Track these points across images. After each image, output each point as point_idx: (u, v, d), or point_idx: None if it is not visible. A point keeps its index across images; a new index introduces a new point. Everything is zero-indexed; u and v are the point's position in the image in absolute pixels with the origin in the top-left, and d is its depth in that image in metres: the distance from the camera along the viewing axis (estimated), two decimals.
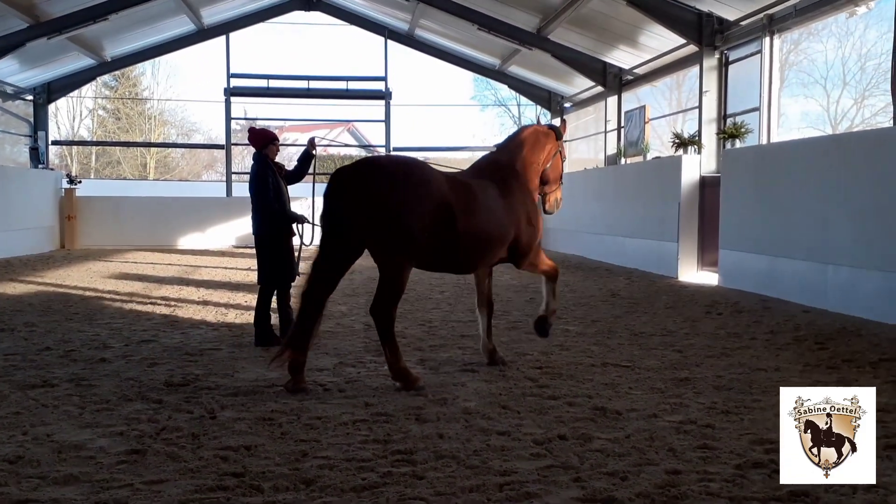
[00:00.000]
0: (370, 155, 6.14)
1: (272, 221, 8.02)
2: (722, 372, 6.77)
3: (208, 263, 17.26)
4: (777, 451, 4.24)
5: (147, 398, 5.80)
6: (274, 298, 8.16)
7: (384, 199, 5.91)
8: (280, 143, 8.55)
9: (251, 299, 11.28)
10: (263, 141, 8.19)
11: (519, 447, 4.70)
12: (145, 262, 17.36)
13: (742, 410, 5.50)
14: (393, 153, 7.95)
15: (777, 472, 4.14)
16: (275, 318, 8.24)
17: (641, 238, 16.31)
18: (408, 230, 5.93)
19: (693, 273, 14.54)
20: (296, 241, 8.22)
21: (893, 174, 9.25)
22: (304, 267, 6.92)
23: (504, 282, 13.76)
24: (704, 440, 4.82)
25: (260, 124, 34.83)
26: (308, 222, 8.09)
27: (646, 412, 5.46)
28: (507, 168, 6.97)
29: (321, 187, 6.58)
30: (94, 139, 38.59)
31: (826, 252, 10.36)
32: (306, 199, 9.21)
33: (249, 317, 9.76)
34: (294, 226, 8.18)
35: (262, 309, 8.06)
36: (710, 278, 13.93)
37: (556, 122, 7.89)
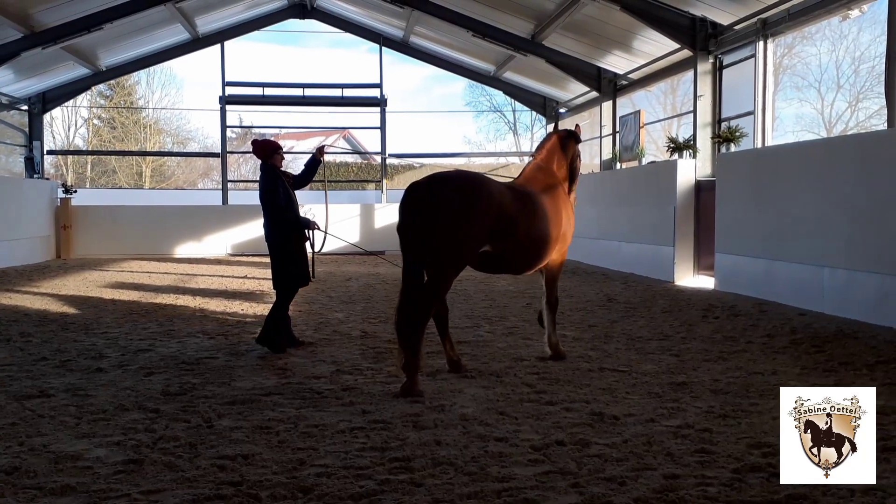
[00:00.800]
0: (440, 171, 6.79)
1: (285, 228, 8.14)
2: (719, 376, 6.77)
3: (204, 272, 17.24)
4: (775, 454, 4.25)
5: (144, 408, 5.79)
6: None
7: (452, 208, 6.32)
8: (284, 151, 8.73)
9: (248, 307, 11.30)
10: (269, 151, 8.32)
11: (517, 453, 4.69)
12: (141, 271, 17.34)
13: (739, 414, 5.51)
14: (459, 169, 8.56)
15: (775, 475, 4.14)
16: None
17: (637, 242, 16.34)
18: (470, 237, 6.43)
19: (689, 277, 14.56)
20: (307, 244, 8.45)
21: (888, 176, 9.27)
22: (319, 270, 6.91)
23: (500, 288, 13.77)
24: (702, 444, 4.82)
25: (256, 132, 34.91)
26: (319, 228, 8.37)
27: (643, 417, 5.46)
28: (550, 173, 7.61)
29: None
30: (90, 148, 38.57)
31: (822, 255, 10.39)
32: (309, 207, 9.29)
33: (246, 325, 9.78)
34: (306, 231, 8.34)
35: (280, 313, 8.16)
36: (706, 282, 13.95)
37: (572, 127, 8.21)
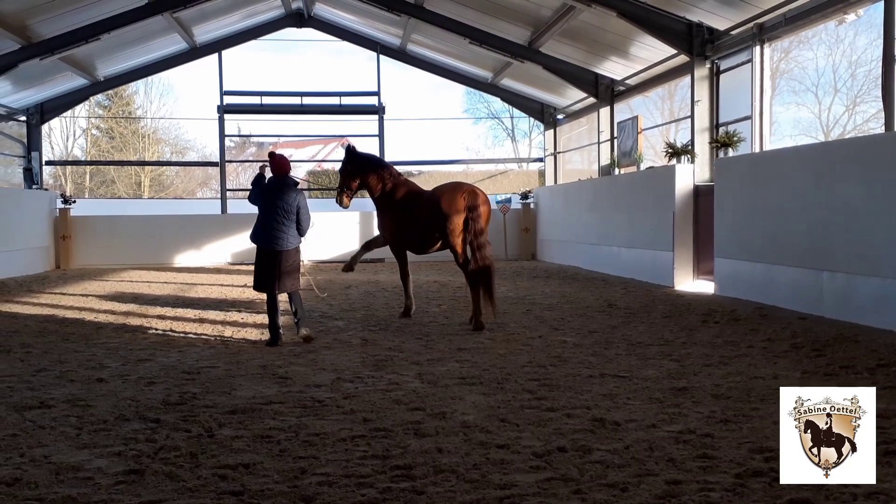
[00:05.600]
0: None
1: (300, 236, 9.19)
2: (720, 381, 6.77)
3: (204, 281, 17.23)
4: (777, 459, 4.24)
5: (144, 417, 5.78)
6: (284, 296, 9.20)
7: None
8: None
9: (247, 316, 11.30)
10: (289, 166, 9.34)
11: (518, 460, 4.69)
12: (141, 281, 17.33)
13: (741, 419, 5.50)
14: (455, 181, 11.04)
15: (777, 480, 4.14)
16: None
17: (637, 248, 16.35)
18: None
19: (689, 282, 14.57)
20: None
21: (886, 179, 9.29)
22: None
23: (499, 294, 13.76)
24: (704, 450, 4.81)
25: (254, 141, 34.91)
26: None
27: (645, 422, 5.46)
28: None
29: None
30: (88, 159, 38.58)
31: (821, 258, 10.39)
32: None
33: (246, 333, 9.78)
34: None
35: (301, 307, 9.20)
36: (706, 287, 13.95)
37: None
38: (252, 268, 9.56)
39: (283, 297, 9.26)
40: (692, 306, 11.70)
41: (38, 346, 9.01)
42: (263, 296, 9.49)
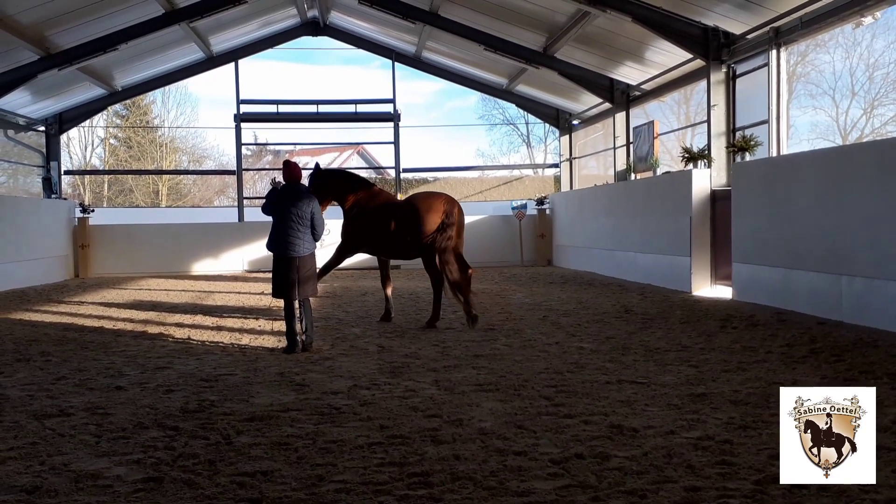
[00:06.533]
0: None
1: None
2: (739, 387, 6.72)
3: (221, 288, 17.31)
4: None
5: (163, 425, 5.81)
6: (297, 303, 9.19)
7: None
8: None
9: (265, 323, 11.33)
10: (300, 173, 9.52)
11: (536, 467, 4.67)
12: (159, 289, 17.43)
13: (760, 425, 5.46)
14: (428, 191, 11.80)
15: (798, 486, 4.11)
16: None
17: (654, 253, 16.29)
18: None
19: (707, 287, 14.50)
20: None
21: None
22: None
23: (516, 300, 13.76)
24: (723, 456, 4.79)
25: (270, 149, 35.04)
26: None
27: (663, 429, 5.43)
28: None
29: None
30: (106, 168, 38.87)
31: (840, 263, 10.32)
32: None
33: (263, 341, 9.82)
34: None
35: (310, 319, 9.31)
36: (724, 292, 13.88)
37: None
38: (269, 275, 9.67)
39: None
40: (710, 312, 11.64)
41: (57, 354, 9.08)
42: (280, 303, 9.58)
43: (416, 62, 24.15)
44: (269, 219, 9.44)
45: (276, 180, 10.27)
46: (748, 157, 13.40)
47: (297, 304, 9.12)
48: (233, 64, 23.30)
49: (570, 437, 5.29)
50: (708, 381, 6.98)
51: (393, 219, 10.93)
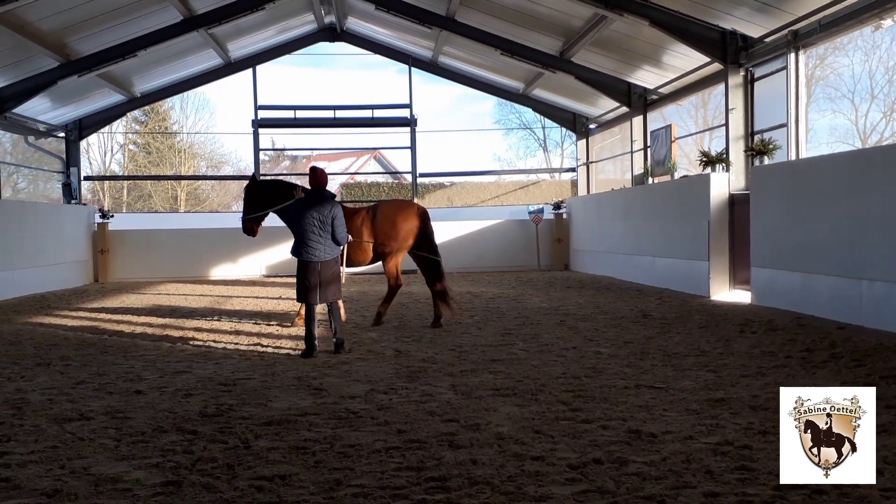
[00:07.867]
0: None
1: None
2: (758, 392, 6.68)
3: (239, 293, 17.39)
4: None
5: (182, 429, 5.84)
6: (322, 306, 9.50)
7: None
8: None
9: (282, 329, 11.37)
10: (325, 179, 9.65)
11: (554, 472, 4.66)
12: (178, 294, 17.53)
13: (779, 431, 5.41)
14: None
15: (817, 492, 4.08)
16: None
17: (672, 257, 16.22)
18: None
19: (725, 292, 14.41)
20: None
21: None
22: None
23: (533, 305, 13.74)
24: (742, 461, 4.76)
25: (288, 154, 35.16)
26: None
27: (681, 434, 5.40)
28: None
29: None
30: (126, 174, 39.18)
31: (860, 267, 10.23)
32: None
33: (281, 345, 9.85)
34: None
35: (339, 322, 9.48)
36: (742, 296, 13.79)
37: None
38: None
39: (320, 308, 9.37)
40: (729, 316, 11.57)
41: (77, 358, 9.15)
42: (297, 307, 9.64)
43: (432, 67, 24.18)
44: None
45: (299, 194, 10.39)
46: (767, 161, 13.33)
47: (318, 309, 9.20)
48: (250, 70, 23.40)
49: (587, 442, 5.27)
50: (727, 386, 6.93)
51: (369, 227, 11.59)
